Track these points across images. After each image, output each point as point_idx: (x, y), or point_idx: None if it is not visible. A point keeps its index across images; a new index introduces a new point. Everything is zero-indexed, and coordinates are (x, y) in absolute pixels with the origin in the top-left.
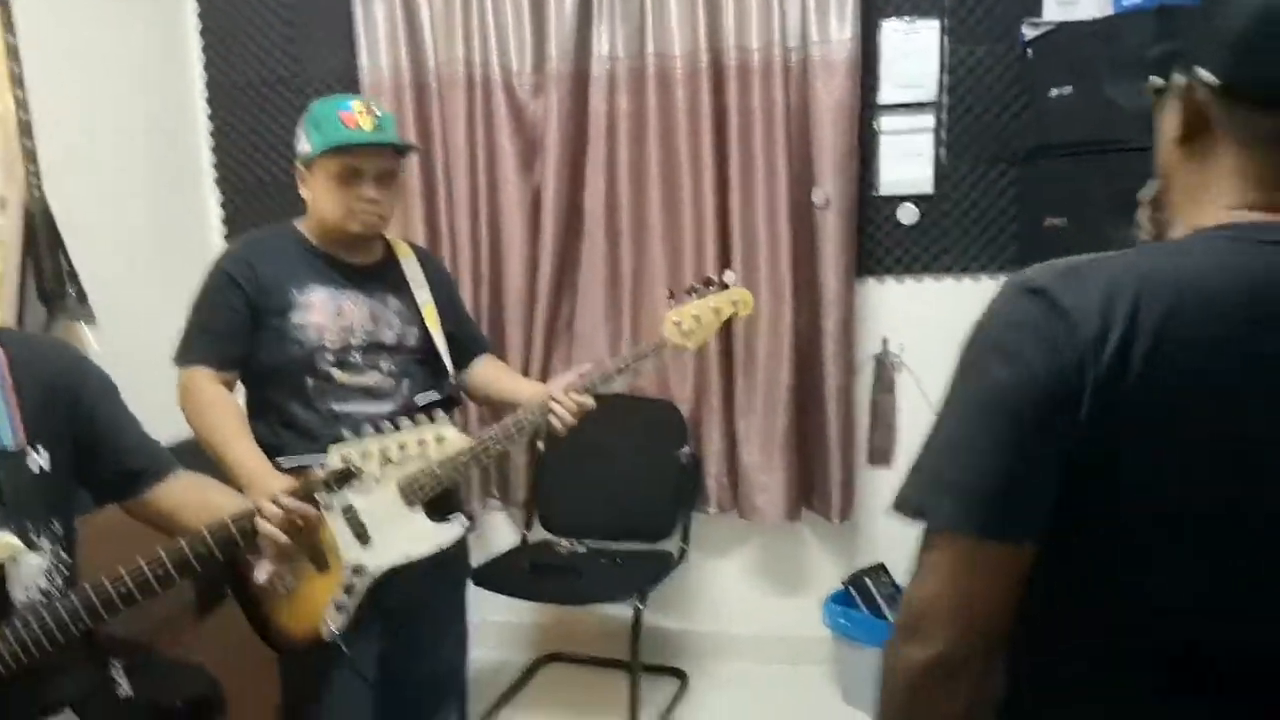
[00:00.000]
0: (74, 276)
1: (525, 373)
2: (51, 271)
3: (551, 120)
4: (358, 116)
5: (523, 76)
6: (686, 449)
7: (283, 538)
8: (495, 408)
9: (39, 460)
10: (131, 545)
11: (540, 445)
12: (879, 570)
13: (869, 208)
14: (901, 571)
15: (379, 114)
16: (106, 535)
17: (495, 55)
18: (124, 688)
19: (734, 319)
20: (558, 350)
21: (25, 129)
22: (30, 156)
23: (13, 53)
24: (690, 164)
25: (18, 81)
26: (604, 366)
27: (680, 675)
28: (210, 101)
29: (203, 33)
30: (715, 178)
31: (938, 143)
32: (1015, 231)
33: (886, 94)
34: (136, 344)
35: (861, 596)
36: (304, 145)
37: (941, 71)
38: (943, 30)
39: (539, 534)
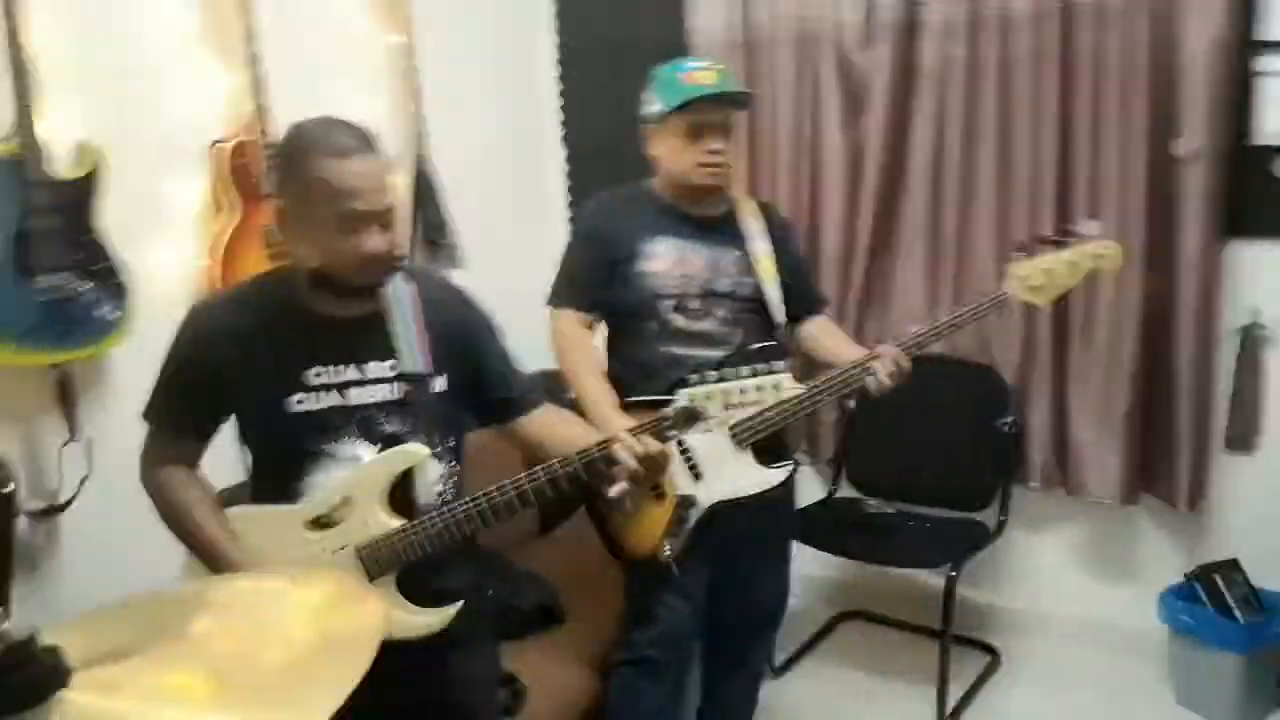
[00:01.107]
0: (449, 226)
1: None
2: (433, 221)
3: (879, 73)
4: (699, 74)
5: (851, 28)
6: (1009, 418)
7: (635, 465)
8: (816, 367)
9: (440, 384)
10: (502, 463)
11: (851, 404)
12: (1231, 566)
13: (1243, 160)
14: (1258, 569)
15: (718, 69)
16: (482, 453)
17: (826, 7)
18: (489, 589)
19: (1095, 275)
20: (871, 310)
21: (416, 95)
22: (419, 120)
23: (410, 27)
24: (1030, 114)
25: (413, 52)
26: (934, 323)
27: (991, 651)
28: (560, 64)
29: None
30: (1058, 128)
31: None
32: None
33: (1271, 28)
34: (493, 286)
35: (1208, 593)
36: (653, 106)
37: None
38: None
39: (845, 491)
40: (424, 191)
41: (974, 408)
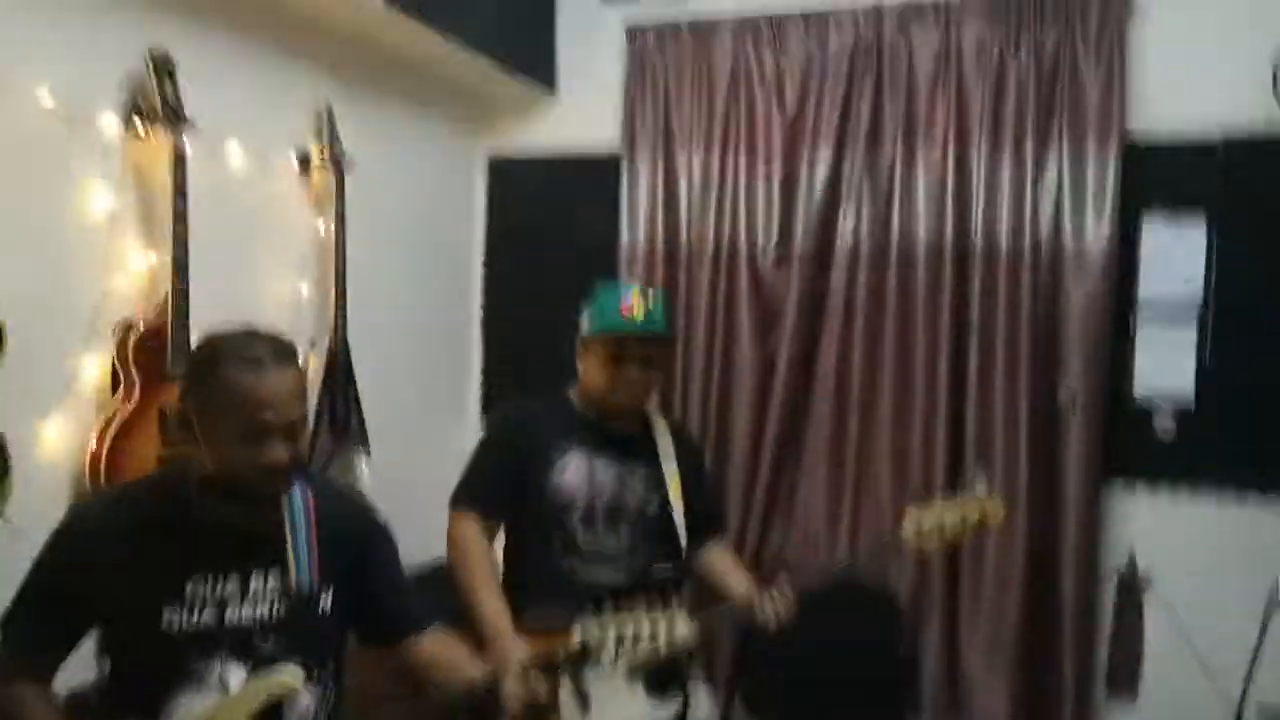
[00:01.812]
0: (359, 410)
1: (742, 541)
2: (343, 405)
3: (791, 293)
4: (634, 305)
5: (767, 251)
6: (902, 645)
7: (520, 712)
8: (710, 594)
9: (327, 600)
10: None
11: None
12: None
13: (1122, 412)
14: None
15: (651, 305)
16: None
17: (743, 231)
18: None
19: (981, 527)
20: (776, 521)
21: (340, 280)
22: (340, 304)
23: (341, 219)
24: (926, 347)
25: (340, 243)
26: (824, 565)
27: None
28: (486, 260)
29: (489, 196)
30: (951, 362)
31: (1202, 346)
32: None
33: (1146, 291)
34: (399, 475)
35: None
36: (585, 325)
37: (1209, 270)
38: (1210, 226)
39: (739, 715)
40: (337, 375)
41: (870, 634)
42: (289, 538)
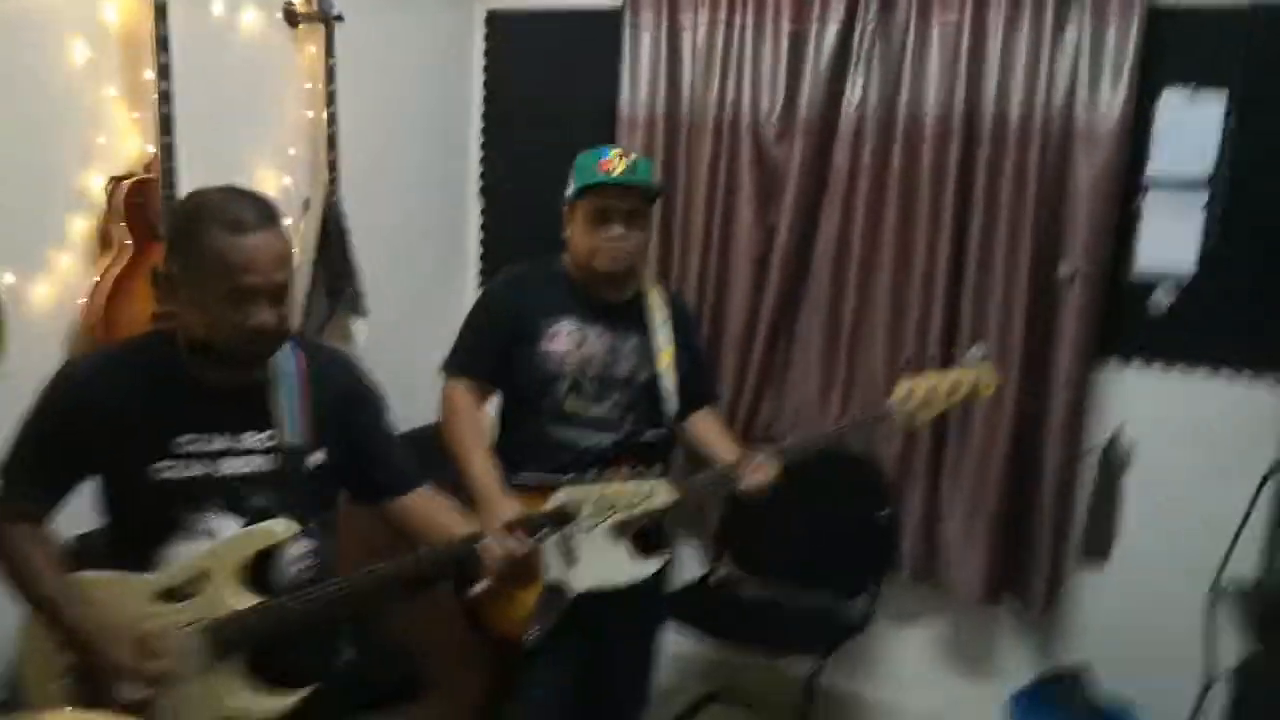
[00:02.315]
0: (355, 273)
1: (733, 412)
2: (337, 268)
3: (793, 166)
4: (613, 161)
5: (770, 122)
6: (886, 510)
7: (500, 566)
8: (698, 460)
9: (317, 458)
10: (372, 536)
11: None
12: (1077, 673)
13: (1121, 289)
14: (1110, 673)
15: (633, 159)
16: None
17: (747, 99)
18: (346, 656)
19: (973, 397)
20: (768, 392)
21: (331, 141)
22: (332, 165)
23: (330, 74)
24: (928, 223)
25: (331, 99)
26: (815, 434)
27: None
28: (485, 124)
29: (486, 54)
30: (952, 239)
31: (1208, 226)
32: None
33: (1155, 168)
34: (397, 337)
35: (1055, 697)
36: (569, 189)
37: (1223, 148)
38: (1230, 103)
39: (726, 567)
40: (331, 237)
41: (854, 497)
42: (278, 399)
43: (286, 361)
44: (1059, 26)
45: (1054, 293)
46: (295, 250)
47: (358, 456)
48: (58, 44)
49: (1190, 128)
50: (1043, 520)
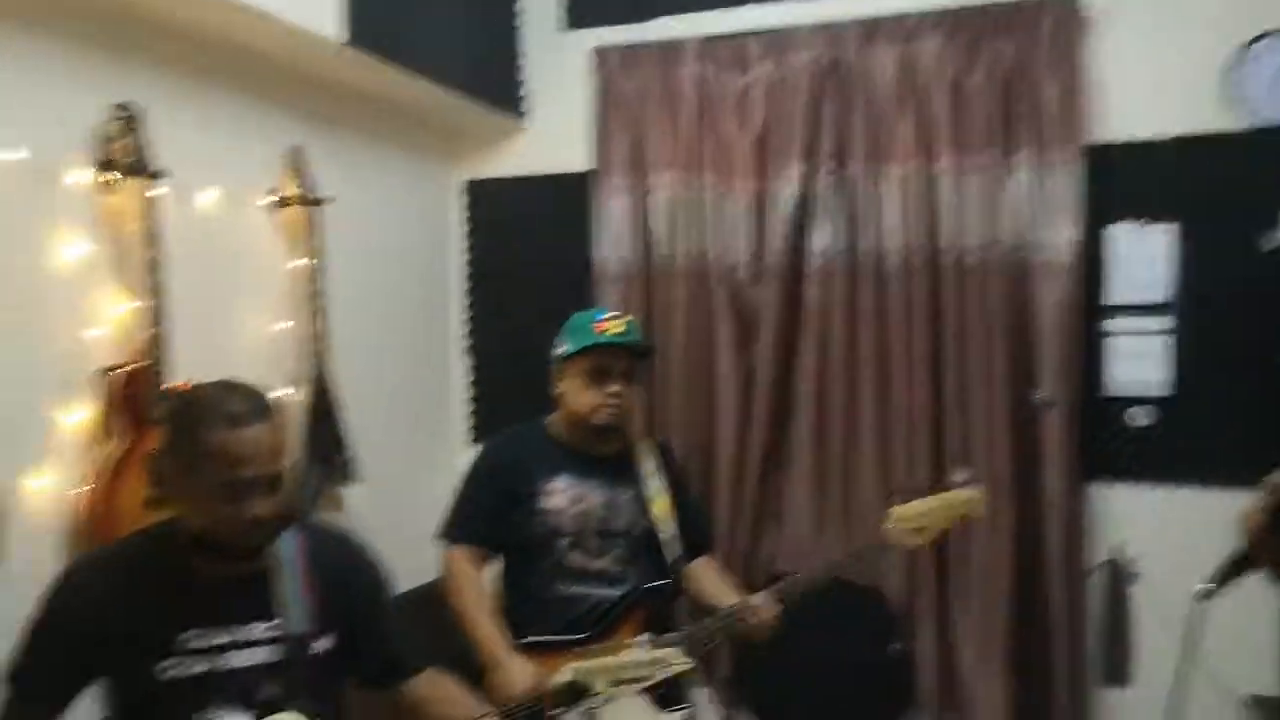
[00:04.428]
0: (345, 441)
1: (733, 549)
2: (329, 436)
3: (768, 308)
4: (608, 323)
5: (741, 269)
6: (898, 644)
7: None
8: (700, 608)
9: (323, 643)
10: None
11: None
12: None
13: (1097, 410)
14: None
15: (626, 321)
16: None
17: (717, 249)
18: None
19: (965, 518)
20: (765, 528)
21: (320, 314)
22: (320, 336)
23: (318, 251)
24: (903, 355)
25: (318, 274)
26: (812, 573)
27: None
28: (469, 279)
29: (468, 220)
30: (929, 369)
31: (1180, 348)
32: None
33: (1116, 294)
34: (388, 504)
35: None
36: (561, 348)
37: (1180, 273)
38: (1181, 233)
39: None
40: (322, 406)
41: (864, 632)
42: (281, 586)
43: (288, 547)
44: (1006, 170)
45: (1034, 417)
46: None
47: (363, 639)
48: (50, 240)
49: (1143, 257)
50: (1057, 645)
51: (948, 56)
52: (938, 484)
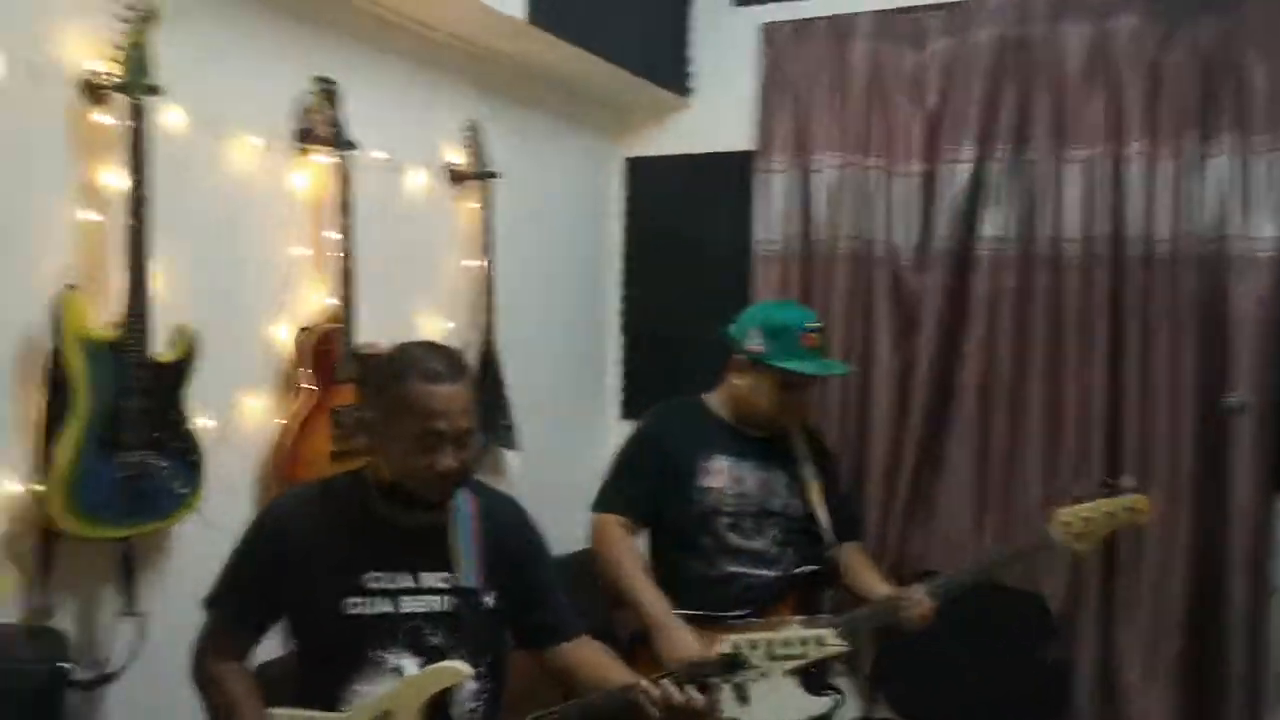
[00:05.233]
0: (508, 409)
1: (883, 543)
2: (493, 404)
3: (931, 296)
4: (815, 339)
5: (906, 255)
6: (1054, 651)
7: (658, 716)
8: (852, 597)
9: (489, 600)
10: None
11: None
12: None
13: None
14: None
15: (823, 337)
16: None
17: (880, 233)
18: None
19: (1130, 526)
20: (915, 528)
21: (489, 286)
22: (489, 308)
23: (488, 225)
24: (1079, 350)
25: (489, 248)
26: (967, 571)
27: None
28: (625, 258)
29: (627, 199)
30: (1108, 367)
31: None
32: None
33: None
34: (544, 472)
35: None
36: (755, 344)
37: None
38: None
39: (883, 712)
40: (487, 376)
41: (1018, 636)
42: (456, 541)
43: (464, 505)
44: (1203, 157)
45: (1223, 423)
46: None
47: (524, 601)
48: (260, 208)
49: None
50: (1234, 663)
51: (1146, 34)
52: (1107, 488)
